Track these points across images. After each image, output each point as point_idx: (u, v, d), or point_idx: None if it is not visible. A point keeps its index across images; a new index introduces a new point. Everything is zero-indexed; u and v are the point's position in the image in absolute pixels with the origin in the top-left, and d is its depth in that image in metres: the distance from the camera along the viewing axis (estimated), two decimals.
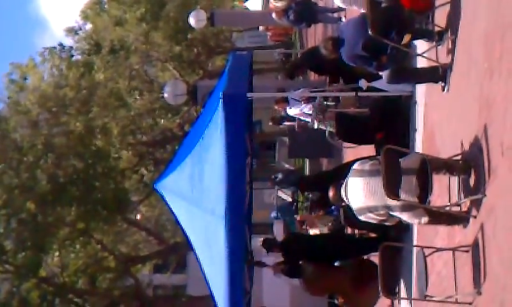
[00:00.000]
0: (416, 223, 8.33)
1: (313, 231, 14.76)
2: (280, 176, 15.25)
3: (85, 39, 34.82)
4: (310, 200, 14.64)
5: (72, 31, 35.56)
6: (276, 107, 14.30)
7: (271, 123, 17.06)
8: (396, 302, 10.82)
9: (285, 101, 13.97)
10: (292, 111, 14.01)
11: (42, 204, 26.69)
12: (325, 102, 12.45)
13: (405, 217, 7.75)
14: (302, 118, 13.90)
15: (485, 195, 7.12)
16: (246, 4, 33.94)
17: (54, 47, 33.55)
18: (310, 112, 13.11)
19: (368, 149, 11.55)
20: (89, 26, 35.83)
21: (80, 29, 35.73)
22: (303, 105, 13.42)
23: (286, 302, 17.64)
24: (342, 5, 11.13)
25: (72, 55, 34.05)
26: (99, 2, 35.90)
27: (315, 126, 12.70)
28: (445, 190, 8.35)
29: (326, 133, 13.24)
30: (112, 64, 32.60)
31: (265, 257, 12.23)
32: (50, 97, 30.31)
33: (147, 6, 32.58)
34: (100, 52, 33.05)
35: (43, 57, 33.28)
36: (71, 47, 34.42)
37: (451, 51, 8.57)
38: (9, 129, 29.03)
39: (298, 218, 15.97)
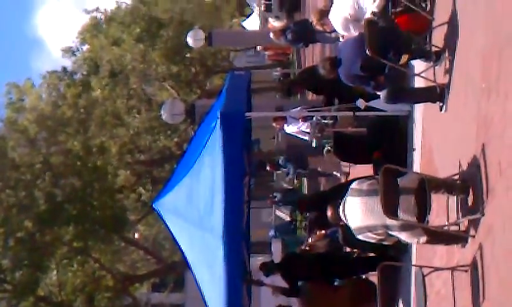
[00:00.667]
0: (415, 242, 8.33)
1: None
2: (278, 195, 15.23)
3: (84, 60, 34.92)
4: (308, 220, 14.61)
5: (69, 51, 35.68)
6: (274, 124, 14.30)
7: None
8: None
9: (283, 118, 14.00)
10: (289, 129, 14.03)
11: (40, 223, 26.66)
12: (323, 121, 12.46)
13: (403, 236, 7.74)
14: (299, 135, 13.91)
15: (483, 214, 7.12)
16: (244, 23, 34.02)
17: (57, 71, 33.71)
18: (308, 130, 13.13)
19: (366, 169, 11.56)
20: (86, 47, 35.96)
21: (78, 50, 35.86)
22: (301, 123, 13.44)
23: None
24: (342, 32, 11.15)
25: (73, 77, 34.15)
26: (96, 24, 36.03)
27: (313, 145, 12.71)
28: (443, 210, 8.35)
29: (324, 151, 13.26)
30: (111, 84, 32.67)
31: (264, 276, 12.20)
32: (48, 116, 30.35)
33: (144, 26, 32.68)
34: (98, 73, 33.14)
35: (45, 79, 33.39)
36: (73, 72, 34.55)
37: (448, 71, 8.60)
38: (6, 148, 29.04)
39: (306, 246, 15.87)
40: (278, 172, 22.29)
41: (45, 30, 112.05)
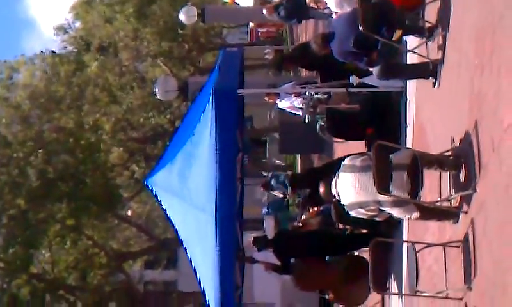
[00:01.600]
0: (407, 219, 8.34)
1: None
2: (272, 181, 15.19)
3: (74, 38, 34.75)
4: (302, 197, 14.61)
5: (62, 29, 35.49)
6: (266, 99, 14.27)
7: None
8: (387, 297, 10.83)
9: (276, 94, 13.95)
10: (282, 104, 13.99)
11: (32, 200, 26.64)
12: (316, 96, 12.43)
13: (395, 212, 7.76)
14: (292, 111, 13.88)
15: (476, 191, 7.13)
16: (237, 0, 33.86)
17: (44, 52, 33.52)
18: (301, 105, 13.10)
19: (359, 145, 11.56)
20: (78, 24, 35.78)
21: (70, 27, 35.68)
22: (294, 98, 13.40)
23: (277, 298, 17.68)
24: (335, 9, 11.10)
25: (63, 54, 33.96)
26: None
27: (306, 120, 12.69)
28: (435, 186, 8.36)
29: (317, 127, 13.23)
30: (102, 61, 32.55)
31: (256, 252, 12.22)
32: (42, 93, 30.25)
33: (136, 2, 32.52)
34: (89, 50, 33.01)
35: (33, 62, 33.23)
36: (63, 48, 34.37)
37: (442, 47, 8.58)
38: None
39: (298, 223, 15.86)
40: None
41: (37, 10, 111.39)
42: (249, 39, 36.80)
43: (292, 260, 11.40)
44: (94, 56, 32.63)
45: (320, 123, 12.78)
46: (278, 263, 11.53)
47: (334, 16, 11.80)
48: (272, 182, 15.16)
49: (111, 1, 34.05)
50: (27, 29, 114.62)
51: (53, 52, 33.48)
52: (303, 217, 15.07)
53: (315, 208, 14.50)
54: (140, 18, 32.14)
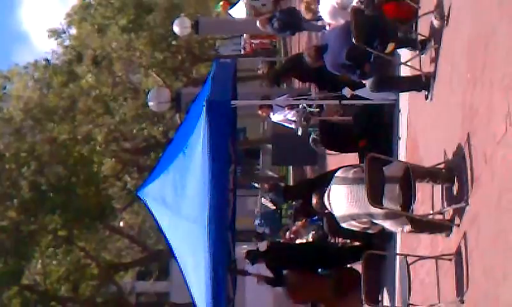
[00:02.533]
0: (399, 231, 8.34)
1: (299, 241, 14.75)
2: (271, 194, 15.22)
3: (67, 48, 34.70)
4: (294, 208, 14.63)
5: (55, 33, 35.41)
6: (259, 113, 14.27)
7: None
8: None
9: (269, 106, 13.97)
10: (275, 117, 14.00)
11: (24, 212, 26.55)
12: (309, 109, 12.45)
13: (388, 225, 7.76)
14: (286, 124, 13.88)
15: (468, 204, 7.13)
16: (230, 11, 33.90)
17: (38, 61, 33.47)
18: (294, 118, 13.11)
19: (352, 157, 11.56)
20: (72, 31, 35.73)
21: (64, 32, 35.60)
22: (287, 112, 13.42)
23: None
24: (328, 20, 11.13)
25: (56, 64, 33.89)
26: (87, 6, 35.77)
27: (299, 133, 12.70)
28: (428, 199, 8.37)
29: (310, 140, 13.25)
30: (95, 71, 32.53)
31: (249, 265, 12.20)
32: (34, 104, 30.19)
33: (131, 14, 32.54)
34: (81, 61, 32.97)
35: (26, 71, 33.17)
36: (56, 58, 34.30)
37: (434, 60, 8.60)
38: None
39: (288, 234, 15.88)
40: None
41: (30, 24, 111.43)
42: (246, 51, 36.85)
43: (285, 272, 11.39)
44: (87, 68, 32.60)
45: (313, 135, 12.81)
46: (270, 275, 11.51)
47: (327, 28, 11.84)
48: (271, 195, 15.20)
49: (105, 12, 34.04)
50: (20, 43, 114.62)
51: (46, 60, 33.44)
52: (294, 227, 15.08)
53: (306, 219, 14.52)
54: (134, 29, 32.16)
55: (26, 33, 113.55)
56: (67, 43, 35.30)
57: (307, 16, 13.38)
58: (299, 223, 14.70)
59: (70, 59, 33.90)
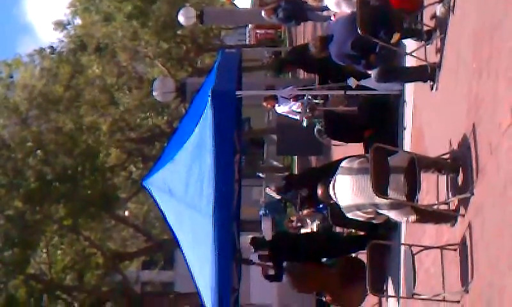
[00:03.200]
0: (404, 221, 8.35)
1: (304, 230, 14.74)
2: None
3: (71, 37, 34.66)
4: (299, 197, 14.62)
5: (61, 25, 35.38)
6: (264, 104, 14.27)
7: None
8: (384, 300, 10.84)
9: (274, 98, 13.97)
10: (280, 109, 14.01)
11: (30, 201, 26.60)
12: (314, 100, 12.45)
13: (393, 215, 7.77)
14: (290, 115, 13.90)
15: (473, 194, 7.14)
16: (235, 2, 33.92)
17: (44, 49, 33.46)
18: (299, 109, 13.11)
19: (357, 147, 11.57)
20: (77, 21, 35.67)
21: (69, 24, 35.57)
22: (292, 103, 13.43)
23: (274, 300, 17.65)
24: (334, 8, 11.12)
25: (61, 54, 33.87)
26: None
27: (304, 124, 12.71)
28: (433, 189, 8.37)
29: (315, 131, 13.25)
30: (100, 61, 32.51)
31: (254, 255, 12.23)
32: (40, 94, 30.20)
33: (136, 2, 32.48)
34: (86, 50, 32.95)
35: (32, 59, 33.18)
36: (61, 47, 34.26)
37: (440, 50, 8.59)
38: None
39: (290, 220, 15.85)
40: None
41: (35, 15, 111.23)
42: (251, 41, 36.85)
43: (287, 263, 11.39)
44: (92, 57, 32.58)
45: (318, 126, 12.81)
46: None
47: (332, 18, 11.84)
48: (284, 196, 15.27)
49: (110, 0, 33.98)
50: (24, 34, 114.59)
51: (51, 47, 33.41)
52: (298, 216, 15.06)
53: (311, 209, 14.49)
54: (139, 18, 32.10)
55: (31, 25, 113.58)
56: (72, 33, 35.25)
57: (313, 3, 13.39)
58: (304, 212, 14.67)
59: (75, 48, 33.85)
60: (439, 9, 8.55)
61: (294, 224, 14.64)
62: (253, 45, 35.71)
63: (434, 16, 8.81)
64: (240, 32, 39.91)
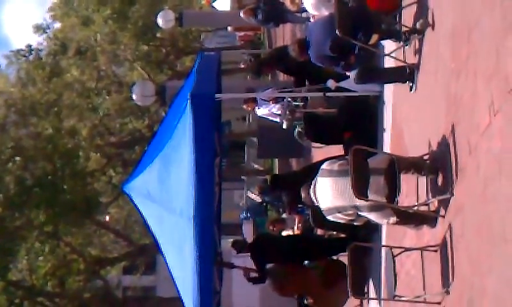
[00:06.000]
0: (385, 223, 8.34)
1: (285, 232, 14.73)
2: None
3: (51, 40, 34.52)
4: (283, 201, 14.59)
5: (40, 29, 35.24)
6: (244, 107, 14.24)
7: None
8: (365, 302, 10.84)
9: (254, 101, 13.95)
10: (260, 111, 13.99)
11: (10, 207, 26.42)
12: (293, 102, 12.44)
13: (373, 217, 7.75)
14: (270, 118, 13.88)
15: (453, 194, 7.14)
16: (214, 4, 33.87)
17: (22, 49, 33.28)
18: (279, 112, 13.10)
19: (337, 149, 11.57)
20: (57, 25, 35.56)
21: (49, 28, 35.43)
22: (272, 105, 13.41)
23: (256, 303, 17.63)
24: (312, 11, 11.11)
25: (40, 57, 33.70)
26: (69, 0, 35.59)
27: (284, 126, 12.69)
28: (413, 190, 8.37)
29: (295, 133, 13.23)
30: (79, 65, 32.38)
31: (235, 258, 12.20)
32: (18, 99, 30.03)
33: (114, 5, 32.40)
34: (66, 53, 32.81)
35: (10, 60, 33.00)
36: (39, 50, 34.11)
37: (418, 51, 8.60)
38: None
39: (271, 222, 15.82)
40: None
41: (10, 28, 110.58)
42: (239, 43, 36.86)
43: (269, 265, 11.38)
44: (71, 61, 32.44)
45: (298, 128, 12.79)
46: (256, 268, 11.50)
47: (311, 20, 11.82)
48: (265, 198, 15.26)
49: (89, 3, 33.85)
50: (1, 47, 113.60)
51: (29, 47, 33.22)
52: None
53: (298, 213, 14.46)
54: (118, 21, 32.01)
55: (6, 37, 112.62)
56: (52, 36, 35.11)
57: (291, 8, 13.37)
58: (295, 218, 14.64)
59: (55, 51, 33.70)
60: (419, 23, 8.57)
61: (273, 228, 14.63)
62: (240, 47, 35.69)
63: (414, 17, 8.82)
64: (219, 34, 39.87)
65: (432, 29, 8.16)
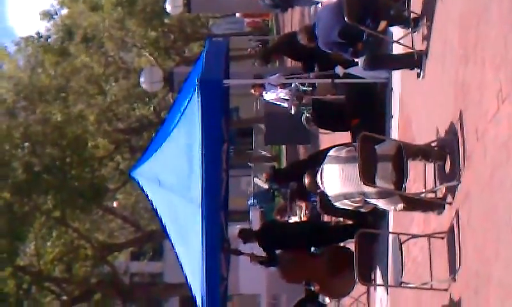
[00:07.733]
0: (392, 210, 8.34)
1: (293, 219, 14.72)
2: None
3: (58, 26, 34.52)
4: (290, 189, 14.58)
5: (48, 15, 35.24)
6: (252, 91, 14.23)
7: None
8: (372, 288, 10.85)
9: (261, 85, 13.94)
10: (268, 96, 13.98)
11: (18, 193, 26.49)
12: (302, 87, 12.43)
13: (381, 203, 7.75)
14: (278, 102, 13.87)
15: (460, 181, 7.13)
16: None
17: (32, 36, 33.30)
18: (287, 97, 13.09)
19: (345, 136, 11.56)
20: (64, 11, 35.55)
21: (56, 14, 35.43)
22: (279, 90, 13.39)
23: (263, 289, 17.67)
24: None
25: (48, 41, 33.71)
26: None
27: (292, 112, 12.69)
28: (420, 177, 8.37)
29: (303, 118, 13.23)
30: (87, 51, 32.39)
31: (242, 244, 12.21)
32: (26, 85, 30.08)
33: None
34: (73, 40, 32.81)
35: (19, 46, 33.02)
36: (48, 36, 34.13)
37: (427, 38, 8.57)
38: None
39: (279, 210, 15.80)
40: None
41: (15, 20, 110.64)
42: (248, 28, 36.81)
43: (278, 252, 11.39)
44: (80, 46, 32.45)
45: (306, 114, 12.79)
46: (264, 254, 11.51)
47: (320, 4, 11.78)
48: (272, 185, 15.23)
49: None
50: (6, 39, 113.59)
51: (38, 34, 33.24)
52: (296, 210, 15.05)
53: (303, 201, 14.45)
54: (126, 7, 31.98)
55: (11, 28, 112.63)
56: (59, 22, 35.11)
57: None
58: (301, 204, 14.62)
59: (63, 37, 33.71)
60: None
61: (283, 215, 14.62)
62: (241, 34, 35.64)
63: (422, 3, 8.79)
64: (228, 21, 39.81)
65: (441, 16, 8.14)
